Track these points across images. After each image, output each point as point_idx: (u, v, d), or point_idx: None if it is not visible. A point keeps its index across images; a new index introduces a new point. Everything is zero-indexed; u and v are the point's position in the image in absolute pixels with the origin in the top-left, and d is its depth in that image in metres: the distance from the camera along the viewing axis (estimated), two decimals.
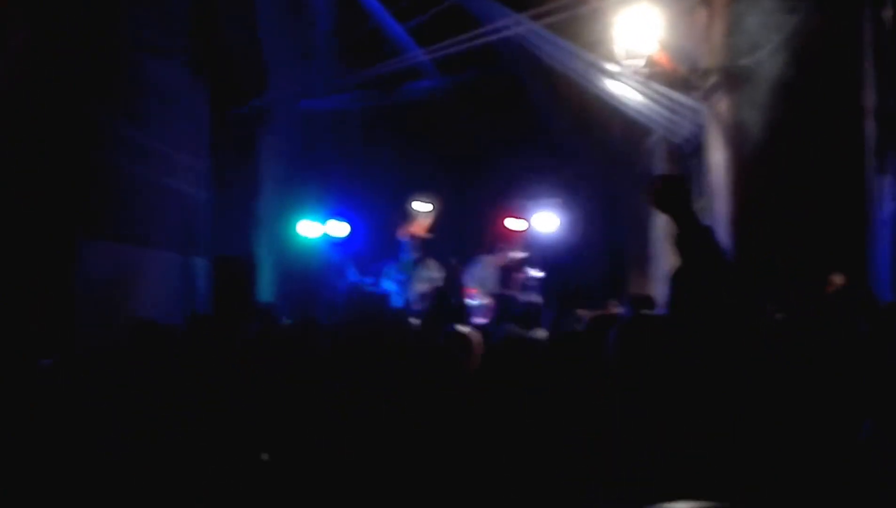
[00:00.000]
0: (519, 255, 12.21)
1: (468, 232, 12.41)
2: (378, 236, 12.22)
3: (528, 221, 12.34)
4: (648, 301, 5.74)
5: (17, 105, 6.08)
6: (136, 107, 7.80)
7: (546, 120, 11.82)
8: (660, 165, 10.43)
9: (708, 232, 4.23)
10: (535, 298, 11.53)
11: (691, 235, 4.37)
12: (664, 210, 5.49)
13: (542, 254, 12.42)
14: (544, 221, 12.43)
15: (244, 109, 9.59)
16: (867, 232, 6.47)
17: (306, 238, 11.53)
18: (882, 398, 3.23)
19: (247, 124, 9.87)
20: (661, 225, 9.67)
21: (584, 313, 6.19)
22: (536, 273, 11.86)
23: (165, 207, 8.41)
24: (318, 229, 11.58)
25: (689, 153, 9.69)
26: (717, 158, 8.45)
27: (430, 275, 11.42)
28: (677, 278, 5.50)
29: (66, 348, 6.04)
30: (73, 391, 4.51)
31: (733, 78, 7.93)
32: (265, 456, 3.71)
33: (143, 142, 7.84)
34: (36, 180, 6.22)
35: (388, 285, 11.14)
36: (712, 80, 8.32)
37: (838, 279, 6.10)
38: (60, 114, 6.47)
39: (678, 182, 4.66)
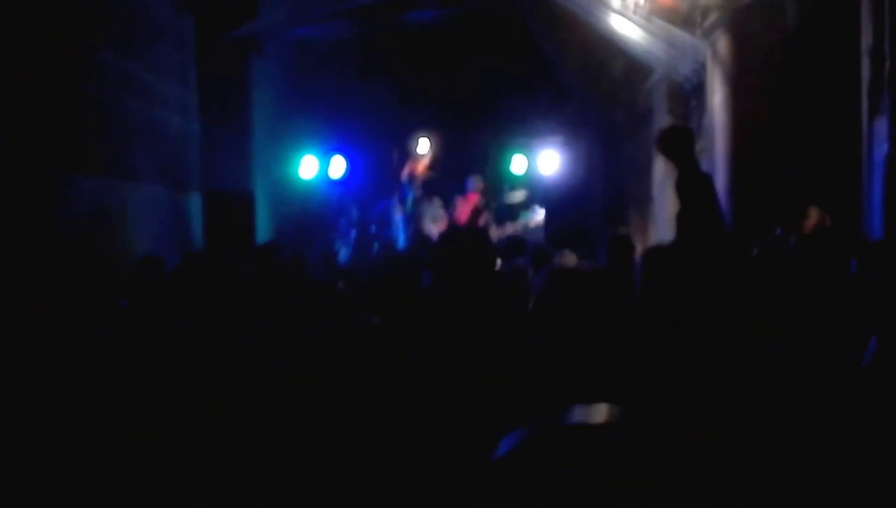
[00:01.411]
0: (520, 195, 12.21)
1: (470, 170, 12.30)
2: (377, 174, 12.12)
3: (529, 159, 12.29)
4: (626, 241, 5.76)
5: None
6: (118, 34, 7.58)
7: (547, 57, 11.63)
8: (661, 105, 10.33)
9: (707, 179, 4.32)
10: (537, 236, 11.56)
11: (691, 181, 4.48)
12: (669, 157, 5.61)
13: (543, 193, 12.39)
14: (546, 160, 12.36)
15: (232, 36, 9.33)
16: (862, 173, 6.42)
17: (304, 175, 11.43)
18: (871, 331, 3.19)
19: (236, 53, 9.61)
20: (662, 165, 9.61)
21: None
22: (538, 212, 11.84)
23: (152, 139, 8.22)
24: (315, 166, 11.47)
25: (690, 92, 9.61)
26: (718, 96, 8.34)
27: (434, 213, 11.43)
28: (680, 219, 5.55)
29: (46, 291, 5.96)
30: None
31: (733, 15, 7.78)
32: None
33: (125, 71, 7.65)
34: (12, 112, 6.07)
35: (396, 222, 11.15)
36: (713, 17, 8.17)
37: (814, 215, 6.18)
38: (37, 43, 6.30)
39: (684, 133, 4.82)
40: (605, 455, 1.54)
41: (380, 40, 11.14)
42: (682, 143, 5.42)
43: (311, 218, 11.40)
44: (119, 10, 7.59)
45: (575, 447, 1.56)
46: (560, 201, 12.39)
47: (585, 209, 12.60)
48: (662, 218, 10.01)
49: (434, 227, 11.08)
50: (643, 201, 11.54)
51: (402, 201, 11.45)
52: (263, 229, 10.49)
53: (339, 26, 10.33)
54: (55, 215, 6.54)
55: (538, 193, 12.35)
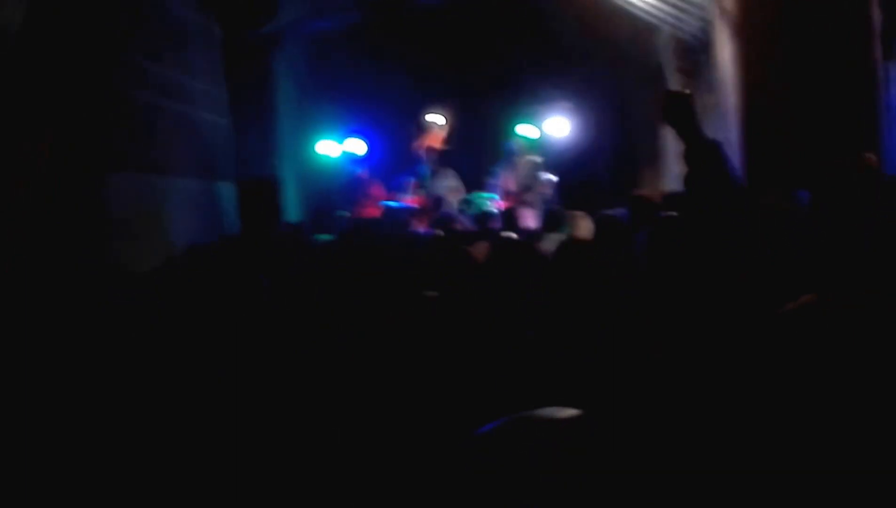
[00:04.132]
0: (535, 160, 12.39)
1: (483, 141, 12.54)
2: (395, 151, 12.39)
3: (540, 126, 12.44)
4: (647, 201, 5.83)
5: (35, 47, 6.21)
6: (153, 41, 7.92)
7: (552, 24, 11.81)
8: (669, 63, 10.46)
9: (715, 148, 4.27)
10: (551, 201, 11.76)
11: (697, 150, 4.41)
12: (671, 125, 5.55)
13: (555, 158, 12.56)
14: (556, 125, 12.52)
15: (256, 34, 9.70)
16: (876, 118, 6.49)
17: (326, 157, 11.78)
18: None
19: (261, 50, 10.00)
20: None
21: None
22: (551, 177, 12.02)
23: (187, 135, 8.57)
24: (336, 148, 11.80)
25: (697, 49, 9.71)
26: (726, 50, 8.41)
27: (448, 185, 11.65)
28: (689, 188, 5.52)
29: (101, 281, 6.28)
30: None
31: None
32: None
33: (161, 74, 7.99)
34: (62, 117, 6.38)
35: None
36: None
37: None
38: (78, 52, 6.61)
39: (684, 98, 4.65)
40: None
41: (391, 25, 11.40)
42: (681, 110, 5.59)
43: (335, 196, 11.75)
44: (153, 19, 7.94)
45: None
46: (572, 164, 12.58)
47: (597, 170, 12.80)
48: (674, 173, 10.18)
49: (452, 198, 11.30)
50: (654, 157, 11.73)
51: (418, 176, 11.69)
52: (293, 211, 10.86)
53: (351, 16, 10.65)
54: (102, 210, 6.89)
55: (550, 158, 12.53)
